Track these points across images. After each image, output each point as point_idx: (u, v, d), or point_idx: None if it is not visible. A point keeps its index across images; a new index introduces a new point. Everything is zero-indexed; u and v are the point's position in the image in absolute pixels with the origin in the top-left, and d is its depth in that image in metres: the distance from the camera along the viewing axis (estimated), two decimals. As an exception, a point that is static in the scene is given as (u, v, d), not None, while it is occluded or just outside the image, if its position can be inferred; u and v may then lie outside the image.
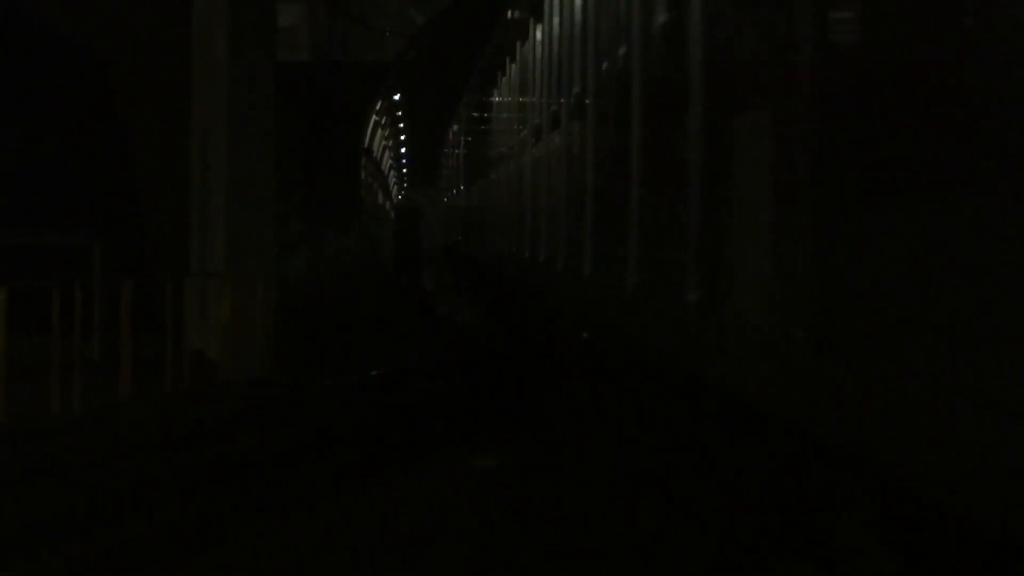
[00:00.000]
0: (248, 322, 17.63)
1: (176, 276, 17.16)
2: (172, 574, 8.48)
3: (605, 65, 11.03)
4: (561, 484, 11.18)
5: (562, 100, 13.62)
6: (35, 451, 11.26)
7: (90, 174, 23.99)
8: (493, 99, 24.05)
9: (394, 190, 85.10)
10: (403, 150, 71.20)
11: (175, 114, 22.56)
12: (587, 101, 11.68)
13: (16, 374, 13.56)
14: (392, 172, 79.35)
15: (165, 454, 11.53)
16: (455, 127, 34.48)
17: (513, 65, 19.93)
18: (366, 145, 36.44)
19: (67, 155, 24.08)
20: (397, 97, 49.51)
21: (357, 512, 10.22)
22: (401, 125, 60.38)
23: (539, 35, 15.21)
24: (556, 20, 14.08)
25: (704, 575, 7.93)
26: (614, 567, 8.59)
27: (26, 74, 23.81)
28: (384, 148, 64.11)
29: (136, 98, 23.83)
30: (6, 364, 13.12)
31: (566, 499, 10.58)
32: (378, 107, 41.91)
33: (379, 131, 54.52)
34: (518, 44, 17.61)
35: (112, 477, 10.28)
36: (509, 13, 21.78)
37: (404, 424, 13.89)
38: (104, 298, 18.09)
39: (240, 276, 17.90)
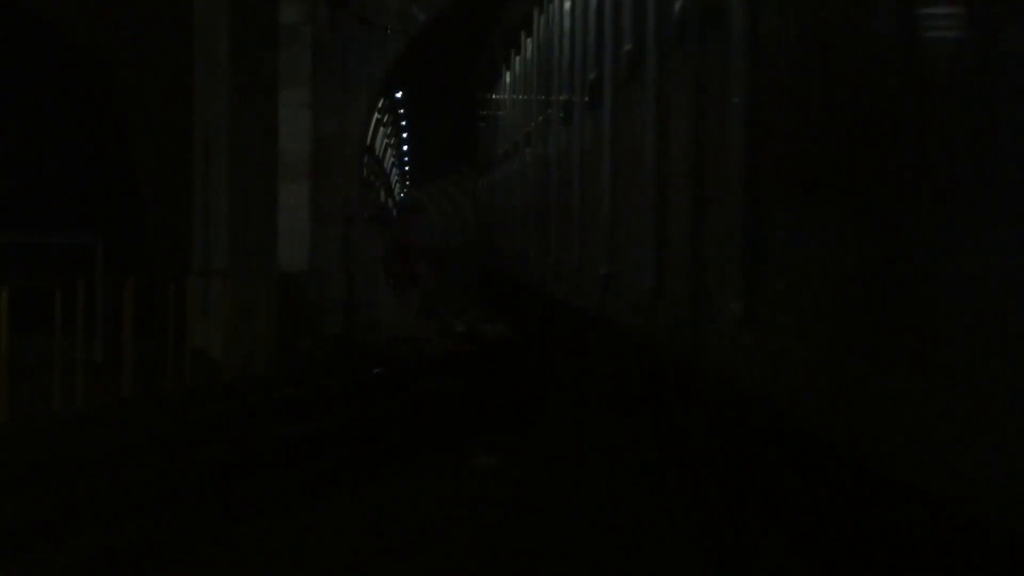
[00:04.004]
0: (250, 321, 17.66)
1: (178, 275, 17.20)
2: (173, 572, 8.51)
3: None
4: (560, 480, 11.21)
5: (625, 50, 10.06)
6: (37, 449, 11.29)
7: (92, 173, 24.02)
8: (517, 73, 20.67)
9: (396, 188, 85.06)
10: (405, 148, 71.20)
11: (177, 114, 22.58)
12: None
13: (19, 373, 13.60)
14: (394, 170, 79.32)
15: (167, 452, 11.56)
16: (479, 103, 31.03)
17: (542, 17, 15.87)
18: (368, 143, 36.43)
19: (69, 155, 24.12)
20: (399, 95, 49.47)
21: (359, 510, 10.25)
22: (404, 123, 60.35)
23: None
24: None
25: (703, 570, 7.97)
26: (615, 563, 8.63)
27: (28, 74, 23.84)
28: (386, 146, 64.09)
29: (138, 98, 23.86)
30: (9, 363, 13.15)
31: (565, 495, 10.61)
32: (380, 105, 41.85)
33: (381, 129, 54.49)
34: None
35: (113, 476, 10.31)
36: None
37: (405, 422, 13.92)
38: (106, 297, 18.12)
39: (242, 275, 17.93)
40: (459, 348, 22.80)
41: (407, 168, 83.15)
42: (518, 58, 18.82)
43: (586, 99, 11.27)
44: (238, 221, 18.96)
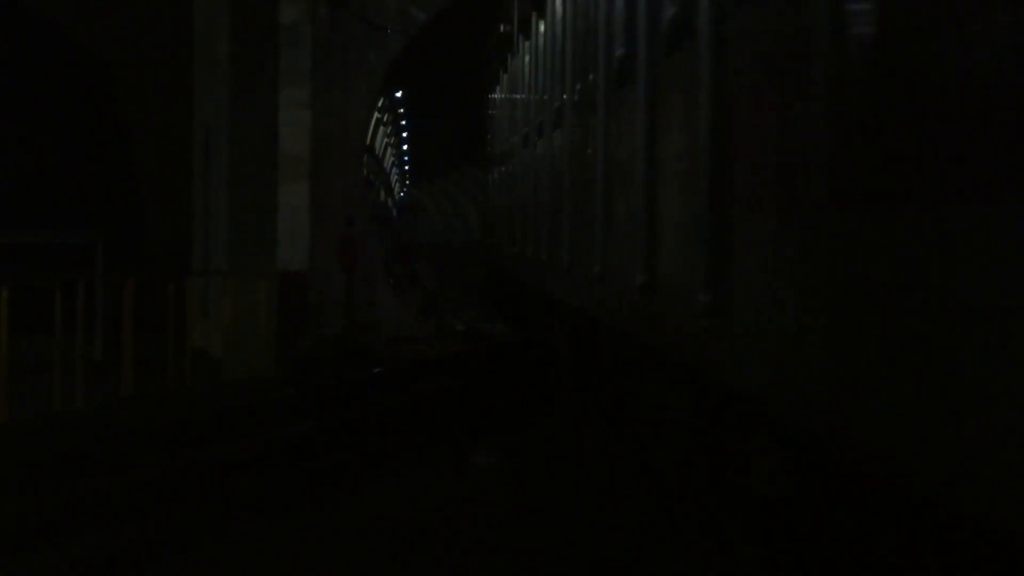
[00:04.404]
0: (250, 321, 17.67)
1: (178, 275, 17.21)
2: (173, 572, 8.52)
3: None
4: (560, 480, 11.22)
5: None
6: (37, 449, 11.29)
7: (92, 173, 24.03)
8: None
9: (396, 187, 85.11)
10: (405, 147, 71.25)
11: (177, 113, 22.59)
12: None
13: (19, 373, 13.61)
14: (394, 169, 79.37)
15: (167, 452, 11.57)
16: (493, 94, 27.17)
17: None
18: (368, 142, 36.48)
19: (70, 154, 24.13)
20: (399, 94, 49.52)
21: (359, 510, 10.27)
22: (403, 122, 60.41)
23: None
24: None
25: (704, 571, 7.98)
26: (616, 563, 8.64)
27: (29, 74, 23.86)
28: (386, 145, 64.12)
29: (138, 97, 23.86)
30: (9, 363, 13.16)
31: (565, 495, 10.63)
32: (380, 104, 41.90)
33: (380, 128, 54.51)
34: None
35: (113, 475, 10.31)
36: None
37: (404, 422, 13.93)
38: (106, 297, 18.14)
39: (242, 275, 17.94)
40: (459, 348, 22.81)
41: (407, 168, 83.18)
42: (541, 25, 16.68)
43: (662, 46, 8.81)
44: (238, 221, 18.96)
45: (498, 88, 24.48)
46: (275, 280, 18.97)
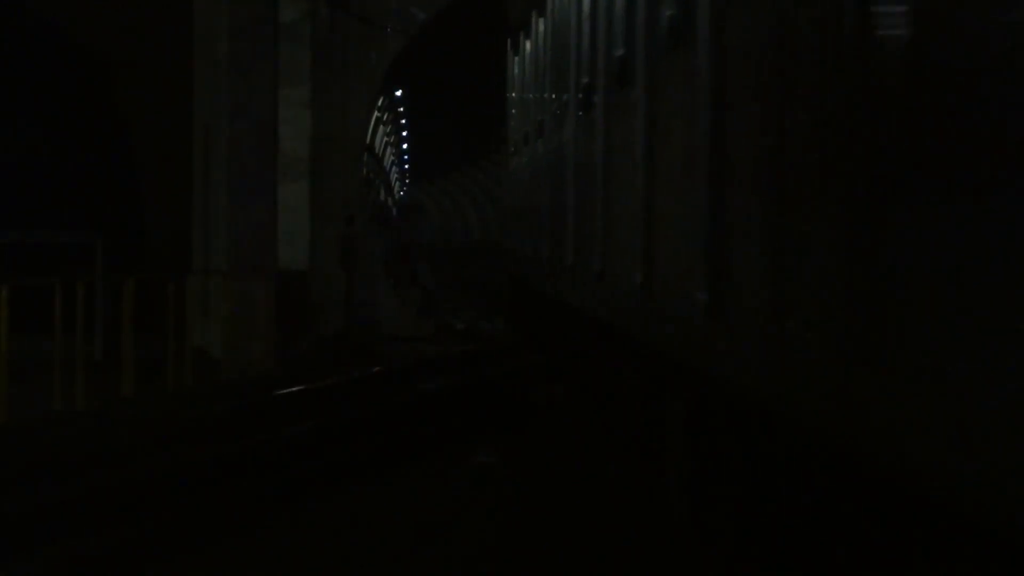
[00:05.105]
0: (250, 321, 17.67)
1: (178, 275, 17.21)
2: (173, 572, 8.51)
3: None
4: (560, 479, 11.22)
5: None
6: (36, 449, 11.29)
7: (92, 173, 24.04)
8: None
9: (396, 187, 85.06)
10: (405, 147, 71.17)
11: (177, 113, 22.59)
12: None
13: (19, 373, 13.60)
14: (394, 169, 79.31)
15: (167, 452, 11.57)
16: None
17: None
18: (368, 142, 36.49)
19: (70, 154, 24.14)
20: (399, 94, 49.50)
21: (359, 510, 10.26)
22: (403, 122, 60.35)
23: None
24: None
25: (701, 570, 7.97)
26: (614, 562, 8.63)
27: (29, 74, 23.86)
28: (386, 145, 64.09)
29: (138, 97, 23.86)
30: (9, 363, 13.15)
31: (566, 494, 10.62)
32: (380, 104, 41.90)
33: (380, 128, 54.49)
34: None
35: (113, 475, 10.31)
36: None
37: (404, 422, 13.92)
38: (106, 297, 18.13)
39: (242, 274, 17.94)
40: (459, 348, 22.81)
41: (407, 168, 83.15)
42: None
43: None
44: (238, 221, 18.97)
45: (528, 43, 18.20)
46: (275, 280, 18.96)
